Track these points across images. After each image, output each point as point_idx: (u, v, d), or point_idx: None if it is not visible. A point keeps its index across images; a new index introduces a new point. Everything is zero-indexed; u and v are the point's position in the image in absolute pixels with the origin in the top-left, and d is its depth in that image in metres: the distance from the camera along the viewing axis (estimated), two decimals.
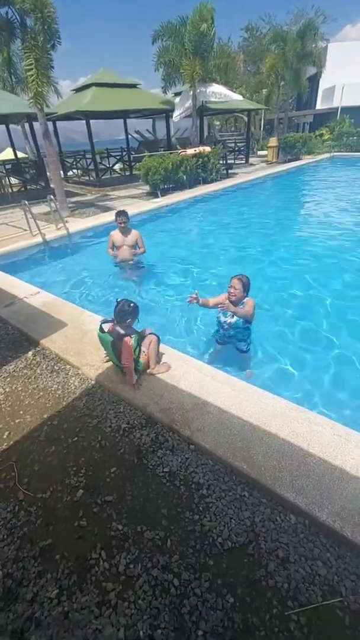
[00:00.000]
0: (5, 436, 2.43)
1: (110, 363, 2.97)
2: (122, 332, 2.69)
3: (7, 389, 2.89)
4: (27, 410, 2.64)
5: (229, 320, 3.24)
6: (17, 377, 3.03)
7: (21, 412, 2.64)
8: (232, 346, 3.37)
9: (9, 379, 3.02)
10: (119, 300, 2.80)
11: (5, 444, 2.37)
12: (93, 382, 2.89)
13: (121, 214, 5.30)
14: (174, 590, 1.53)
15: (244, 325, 3.22)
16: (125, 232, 5.40)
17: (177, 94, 14.14)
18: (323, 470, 1.96)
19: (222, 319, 3.28)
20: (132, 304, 2.77)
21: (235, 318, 3.18)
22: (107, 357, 3.02)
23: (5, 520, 1.88)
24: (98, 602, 1.52)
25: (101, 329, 2.78)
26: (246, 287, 3.10)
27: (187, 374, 2.84)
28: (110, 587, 1.56)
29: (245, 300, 3.13)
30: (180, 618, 1.44)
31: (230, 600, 1.49)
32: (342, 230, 7.45)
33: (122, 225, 5.32)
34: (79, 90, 14.17)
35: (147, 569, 1.62)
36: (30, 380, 2.98)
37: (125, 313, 2.74)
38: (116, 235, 5.43)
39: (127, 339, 2.64)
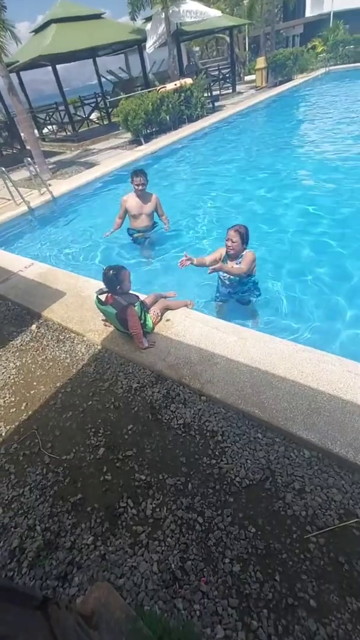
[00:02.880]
0: (23, 407, 2.51)
1: (112, 327, 2.95)
2: (123, 303, 2.61)
3: (18, 363, 2.94)
4: (40, 381, 2.70)
5: (228, 275, 3.08)
6: (26, 351, 3.06)
7: (34, 383, 2.70)
8: (233, 300, 3.24)
9: (17, 353, 3.05)
10: (104, 269, 2.66)
11: (24, 414, 2.45)
12: (99, 347, 2.91)
13: (139, 173, 4.10)
14: (199, 527, 1.65)
15: (245, 279, 3.05)
16: (143, 197, 4.26)
17: (147, 20, 12.54)
18: (334, 405, 1.99)
19: (222, 274, 3.11)
20: (112, 270, 2.61)
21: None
22: (106, 321, 3.00)
23: (36, 482, 2.00)
24: (131, 543, 1.65)
25: (99, 301, 2.71)
26: (244, 239, 2.85)
27: (192, 327, 2.82)
28: (140, 530, 1.68)
29: (244, 253, 2.92)
30: (207, 550, 1.57)
31: (252, 530, 1.60)
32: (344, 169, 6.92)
33: (141, 188, 4.13)
34: (38, 30, 12.61)
35: (172, 510, 1.73)
36: (38, 352, 3.02)
37: (111, 281, 2.63)
38: (131, 200, 4.26)
39: (130, 309, 2.58)
